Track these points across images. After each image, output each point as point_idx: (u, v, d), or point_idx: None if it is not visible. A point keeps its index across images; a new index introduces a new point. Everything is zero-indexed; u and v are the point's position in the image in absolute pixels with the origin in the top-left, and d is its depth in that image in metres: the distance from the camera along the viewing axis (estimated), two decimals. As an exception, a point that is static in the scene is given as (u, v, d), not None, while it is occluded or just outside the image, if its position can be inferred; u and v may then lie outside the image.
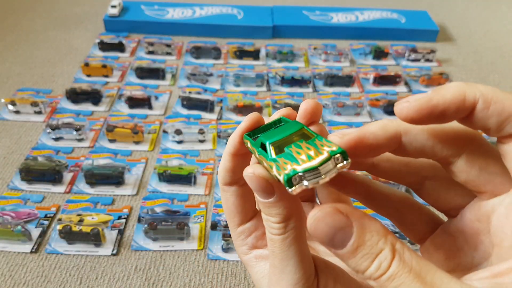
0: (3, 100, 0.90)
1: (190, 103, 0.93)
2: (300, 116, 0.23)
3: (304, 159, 0.19)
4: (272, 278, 0.23)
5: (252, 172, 0.20)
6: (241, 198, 0.25)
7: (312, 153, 0.19)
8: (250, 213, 0.26)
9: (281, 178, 0.19)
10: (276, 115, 0.24)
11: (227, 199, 0.25)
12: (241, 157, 0.24)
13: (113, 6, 1.18)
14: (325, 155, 0.19)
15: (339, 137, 0.21)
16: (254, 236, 0.26)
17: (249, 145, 0.23)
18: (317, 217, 0.18)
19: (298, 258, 0.21)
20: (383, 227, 0.18)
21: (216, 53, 1.10)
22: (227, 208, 0.26)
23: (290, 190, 0.19)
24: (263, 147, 0.21)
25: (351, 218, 0.18)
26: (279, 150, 0.20)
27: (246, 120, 0.23)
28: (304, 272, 0.21)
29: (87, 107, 0.93)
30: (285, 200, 0.21)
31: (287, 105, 0.92)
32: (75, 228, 0.65)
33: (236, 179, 0.24)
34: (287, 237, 0.21)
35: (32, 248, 0.64)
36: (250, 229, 0.26)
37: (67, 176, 0.76)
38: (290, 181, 0.18)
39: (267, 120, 0.24)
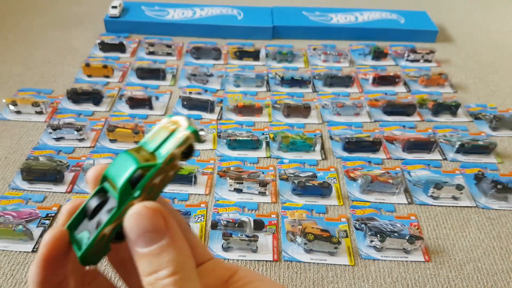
0: (4, 101, 0.91)
1: (190, 103, 0.93)
2: (63, 219, 0.21)
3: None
4: None
5: (144, 206, 0.18)
6: None
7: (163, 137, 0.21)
8: None
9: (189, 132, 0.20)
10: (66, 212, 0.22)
11: None
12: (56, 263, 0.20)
13: (114, 7, 1.19)
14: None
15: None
16: None
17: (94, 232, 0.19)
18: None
19: None
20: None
21: (216, 53, 1.11)
22: None
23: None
24: (134, 184, 0.19)
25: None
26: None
27: (46, 245, 0.20)
28: None
29: (88, 107, 0.93)
30: (178, 240, 0.18)
31: (286, 105, 0.93)
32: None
33: None
34: None
35: (34, 248, 0.65)
36: None
37: (68, 176, 0.77)
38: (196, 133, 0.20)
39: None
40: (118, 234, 0.19)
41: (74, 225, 0.20)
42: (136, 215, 0.18)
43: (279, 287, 0.24)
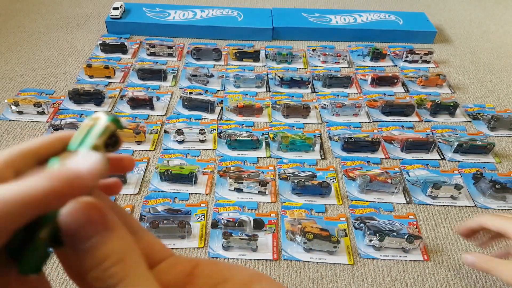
0: (6, 101, 0.91)
1: (191, 103, 0.94)
2: None
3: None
4: None
5: (76, 201, 0.17)
6: None
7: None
8: None
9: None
10: None
11: None
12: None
13: (115, 8, 1.20)
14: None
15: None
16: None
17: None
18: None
19: None
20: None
21: (216, 54, 1.12)
22: None
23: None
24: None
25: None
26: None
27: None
28: None
29: (90, 107, 0.94)
30: (118, 229, 0.18)
31: (286, 105, 0.94)
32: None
33: None
34: (139, 275, 0.17)
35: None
36: None
37: (70, 176, 0.77)
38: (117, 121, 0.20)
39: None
40: (57, 239, 0.18)
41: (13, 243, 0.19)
42: (70, 212, 0.17)
43: (241, 268, 0.24)
